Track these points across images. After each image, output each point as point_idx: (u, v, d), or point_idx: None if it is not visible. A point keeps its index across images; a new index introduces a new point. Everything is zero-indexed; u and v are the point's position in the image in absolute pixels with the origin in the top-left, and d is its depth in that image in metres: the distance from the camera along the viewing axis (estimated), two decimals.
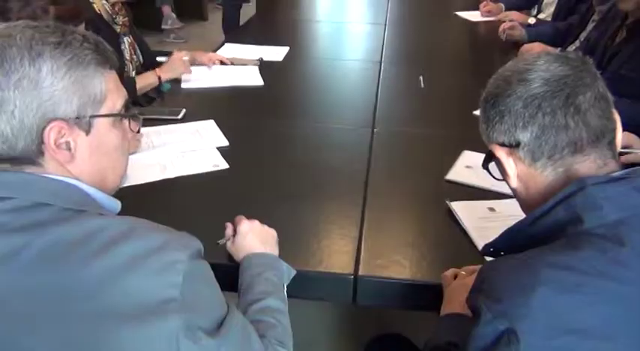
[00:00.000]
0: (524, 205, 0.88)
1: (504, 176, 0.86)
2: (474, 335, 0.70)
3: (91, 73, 0.77)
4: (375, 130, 1.77)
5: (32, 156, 0.75)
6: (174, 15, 5.37)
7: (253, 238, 1.09)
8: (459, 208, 1.31)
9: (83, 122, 0.77)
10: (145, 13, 3.88)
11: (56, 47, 0.74)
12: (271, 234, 1.13)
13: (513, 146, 0.81)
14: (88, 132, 0.78)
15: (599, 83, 0.81)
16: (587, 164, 0.79)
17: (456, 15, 3.43)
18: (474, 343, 0.70)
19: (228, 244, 1.11)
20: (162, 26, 5.35)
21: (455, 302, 1.01)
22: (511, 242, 0.84)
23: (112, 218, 0.76)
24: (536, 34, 2.70)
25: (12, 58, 0.72)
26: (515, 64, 0.84)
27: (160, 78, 2.02)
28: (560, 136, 0.78)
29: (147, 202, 1.34)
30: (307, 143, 1.72)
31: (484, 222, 1.27)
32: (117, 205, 0.84)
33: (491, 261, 0.82)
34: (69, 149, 0.76)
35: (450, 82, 2.21)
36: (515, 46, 2.64)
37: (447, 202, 1.33)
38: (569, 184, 0.77)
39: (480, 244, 1.10)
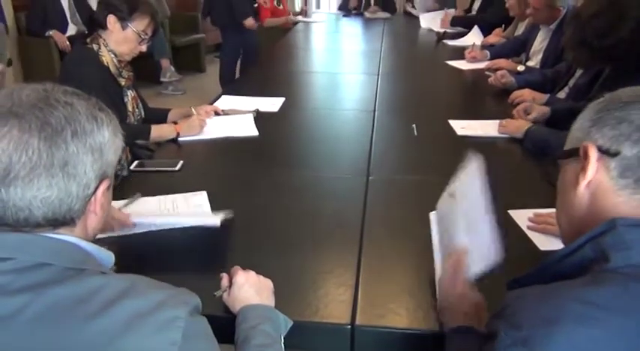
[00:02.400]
0: (571, 221, 0.86)
1: (569, 181, 0.85)
2: None
3: (121, 135, 0.85)
4: (369, 178, 1.79)
5: (77, 216, 0.79)
6: (172, 68, 5.50)
7: (249, 289, 1.09)
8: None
9: (111, 180, 0.85)
10: (144, 65, 3.98)
11: (106, 115, 0.82)
12: (267, 285, 1.13)
13: (610, 154, 0.79)
14: (109, 188, 0.84)
15: None
16: None
17: (446, 64, 3.52)
18: None
19: (225, 295, 1.11)
20: (161, 79, 5.47)
21: (459, 314, 1.02)
22: (539, 278, 0.83)
23: (111, 276, 0.78)
24: (525, 81, 2.77)
25: (83, 124, 0.77)
26: None
27: (178, 133, 2.10)
28: None
29: (140, 253, 1.34)
30: (303, 192, 1.73)
31: None
32: (112, 257, 0.86)
33: (517, 290, 0.81)
34: (102, 206, 0.82)
35: (442, 129, 2.25)
36: (505, 92, 2.70)
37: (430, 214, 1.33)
38: (627, 215, 0.76)
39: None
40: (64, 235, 0.78)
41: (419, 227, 1.48)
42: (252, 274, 1.13)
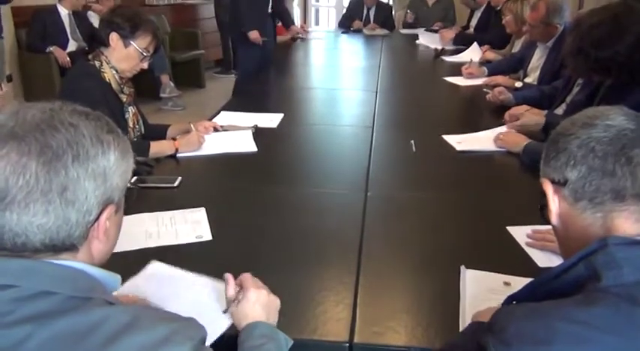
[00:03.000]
0: (561, 246, 0.90)
1: (548, 213, 0.88)
2: None
3: (131, 158, 0.83)
4: (368, 194, 1.79)
5: (78, 242, 0.76)
6: (172, 83, 5.52)
7: (259, 307, 1.09)
8: (471, 276, 1.28)
9: (119, 205, 0.81)
10: (144, 81, 4.00)
11: (114, 138, 0.79)
12: (276, 304, 1.13)
13: (561, 184, 0.84)
14: (117, 212, 0.82)
15: None
16: (625, 214, 0.80)
17: (444, 80, 3.54)
18: None
19: (232, 306, 1.11)
20: (161, 94, 5.48)
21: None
22: (533, 295, 0.84)
23: (116, 307, 0.74)
24: (523, 97, 2.78)
25: (87, 149, 0.74)
26: (588, 111, 0.87)
27: (177, 149, 2.11)
28: (604, 180, 0.80)
29: (135, 271, 1.33)
30: (301, 209, 1.73)
31: (491, 294, 1.21)
32: (118, 281, 0.84)
33: (508, 306, 0.84)
34: (107, 230, 0.79)
35: (441, 144, 2.25)
36: (502, 109, 2.71)
37: (462, 267, 1.30)
38: (601, 234, 0.79)
39: (468, 316, 1.11)
40: (68, 261, 0.75)
41: (418, 244, 1.47)
42: (264, 292, 1.11)
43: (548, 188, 0.86)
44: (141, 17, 2.11)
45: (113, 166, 0.77)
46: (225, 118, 2.61)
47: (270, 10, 4.77)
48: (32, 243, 0.72)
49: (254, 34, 4.56)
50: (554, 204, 0.86)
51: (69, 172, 0.72)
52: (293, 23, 5.20)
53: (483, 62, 3.85)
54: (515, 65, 3.52)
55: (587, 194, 0.82)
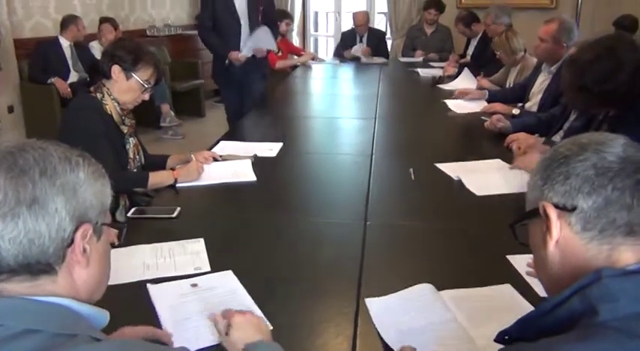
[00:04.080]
0: (549, 277, 0.86)
1: (538, 241, 0.85)
2: None
3: (106, 183, 0.84)
4: (367, 223, 1.79)
5: (54, 262, 0.76)
6: (172, 113, 5.56)
7: (249, 327, 1.11)
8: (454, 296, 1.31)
9: (97, 228, 0.81)
10: (144, 111, 4.03)
11: (84, 159, 0.81)
12: (266, 324, 1.17)
13: (568, 209, 0.80)
14: (99, 238, 0.82)
15: None
16: (634, 248, 0.78)
17: (442, 107, 3.56)
18: None
19: (223, 339, 1.11)
20: (161, 123, 5.52)
21: None
22: (525, 330, 0.82)
23: (103, 343, 0.74)
24: (521, 124, 2.80)
25: (54, 165, 0.77)
26: (592, 136, 0.85)
27: (176, 180, 2.11)
28: (621, 213, 0.78)
29: (132, 304, 1.32)
30: (300, 238, 1.73)
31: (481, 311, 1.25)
32: (106, 317, 0.83)
33: (503, 348, 0.81)
34: (86, 253, 0.79)
35: (440, 172, 2.25)
36: (500, 136, 2.72)
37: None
38: (601, 266, 0.76)
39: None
40: (53, 298, 0.75)
41: (418, 275, 1.46)
42: (248, 314, 1.15)
43: (552, 212, 0.81)
44: (142, 50, 2.14)
45: (84, 183, 0.78)
46: (224, 147, 2.63)
47: (248, 51, 3.98)
48: (6, 261, 0.73)
49: (233, 55, 3.91)
50: (557, 229, 0.81)
51: (36, 185, 0.74)
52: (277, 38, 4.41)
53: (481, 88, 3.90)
54: (520, 94, 3.52)
55: (599, 225, 0.78)
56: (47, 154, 0.77)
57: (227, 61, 3.97)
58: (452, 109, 3.53)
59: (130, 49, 2.10)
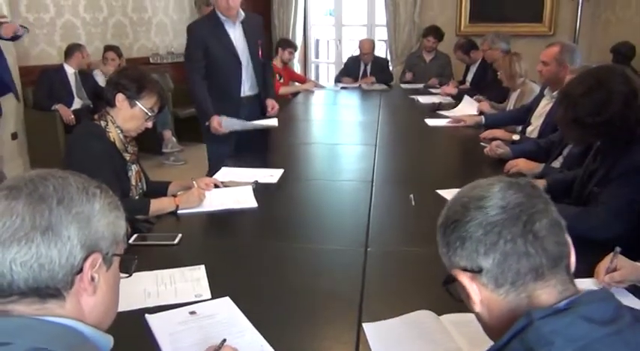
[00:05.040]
0: (488, 330, 0.88)
1: (467, 300, 0.88)
2: None
3: (120, 215, 0.86)
4: (368, 250, 1.79)
5: (63, 287, 0.78)
6: (174, 139, 5.59)
7: None
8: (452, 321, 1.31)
9: (107, 258, 0.83)
10: (147, 137, 4.06)
11: (102, 191, 0.84)
12: None
13: (476, 272, 0.83)
14: (108, 268, 0.84)
15: (551, 209, 0.85)
16: (548, 290, 0.81)
17: (442, 132, 3.59)
18: None
19: None
20: (163, 149, 5.54)
21: None
22: None
23: None
24: (520, 151, 2.81)
25: (72, 194, 0.79)
26: (472, 190, 0.88)
27: (177, 206, 2.11)
28: (521, 262, 0.81)
29: (132, 332, 1.32)
30: (301, 265, 1.73)
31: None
32: (110, 342, 0.84)
33: None
34: (93, 282, 0.81)
35: (440, 198, 2.26)
36: (500, 162, 2.74)
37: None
38: (531, 310, 0.78)
39: None
40: (60, 319, 0.77)
41: (419, 301, 1.46)
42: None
43: (463, 278, 0.85)
44: (146, 78, 2.17)
45: (98, 213, 0.81)
46: (225, 174, 2.64)
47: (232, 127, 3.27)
48: (17, 283, 0.75)
49: (214, 122, 3.25)
50: (475, 292, 0.84)
51: (52, 212, 0.77)
52: (272, 96, 3.68)
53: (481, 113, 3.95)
54: (523, 116, 3.51)
55: (508, 279, 0.81)
56: (67, 184, 0.80)
57: (207, 123, 3.30)
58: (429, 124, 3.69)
59: (134, 77, 2.13)
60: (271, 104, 3.58)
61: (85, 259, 0.79)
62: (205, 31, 3.29)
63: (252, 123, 3.31)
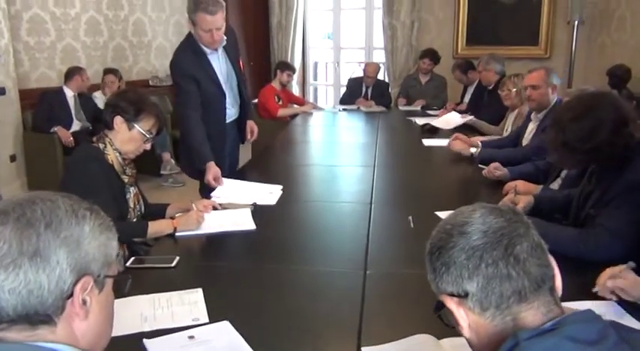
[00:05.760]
0: (474, 348, 0.89)
1: (457, 326, 0.89)
2: None
3: (112, 236, 0.85)
4: (367, 272, 1.78)
5: (53, 312, 0.76)
6: (173, 161, 5.60)
7: None
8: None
9: (99, 281, 0.82)
10: (145, 159, 4.06)
11: (92, 213, 0.82)
12: None
13: (462, 296, 0.85)
14: (100, 291, 0.82)
15: (532, 232, 0.87)
16: (533, 312, 0.83)
17: (441, 154, 3.59)
18: None
19: None
20: (161, 171, 5.55)
21: None
22: None
23: None
24: (518, 172, 2.81)
25: (60, 218, 0.78)
26: (455, 217, 0.91)
27: (175, 229, 2.09)
28: (504, 285, 0.82)
29: None
30: (299, 288, 1.72)
31: None
32: None
33: None
34: (85, 305, 0.79)
35: (438, 220, 2.25)
36: (498, 183, 2.74)
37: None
38: (517, 331, 0.79)
39: None
40: (51, 344, 0.75)
41: (419, 324, 1.44)
42: None
43: (451, 303, 0.87)
44: (145, 101, 2.18)
45: (88, 236, 0.80)
46: (224, 189, 2.64)
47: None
48: (6, 311, 0.74)
49: (210, 174, 2.77)
50: (462, 317, 0.86)
51: (40, 237, 0.75)
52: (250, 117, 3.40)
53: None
54: (514, 141, 3.57)
55: (492, 302, 0.83)
56: (55, 207, 0.79)
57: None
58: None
59: (133, 100, 2.14)
60: (250, 127, 3.31)
61: (76, 283, 0.78)
62: (191, 64, 2.92)
63: (253, 191, 2.70)
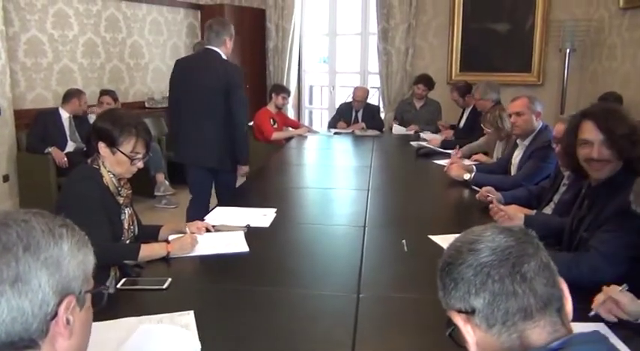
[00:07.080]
0: None
1: (465, 343, 0.89)
2: None
3: (89, 251, 0.83)
4: (360, 295, 1.77)
5: (37, 336, 0.75)
6: (167, 182, 5.59)
7: None
8: None
9: (80, 298, 0.80)
10: (139, 179, 4.05)
11: (68, 229, 0.80)
12: None
13: (469, 313, 0.86)
14: (82, 308, 0.81)
15: (541, 253, 0.88)
16: (538, 330, 0.83)
17: (434, 177, 3.61)
18: None
19: None
20: (155, 192, 5.53)
21: None
22: None
23: None
24: (512, 197, 2.83)
25: (38, 239, 0.76)
26: (466, 235, 0.92)
27: (168, 253, 2.07)
28: (510, 302, 0.83)
29: None
30: (292, 311, 1.70)
31: None
32: None
33: None
34: (69, 324, 0.78)
35: (432, 244, 2.25)
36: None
37: None
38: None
39: None
40: None
41: (412, 348, 1.44)
42: None
43: (458, 320, 0.88)
44: (121, 121, 2.10)
45: (67, 255, 0.78)
46: (218, 214, 2.63)
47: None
48: None
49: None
50: (470, 334, 0.87)
51: (19, 262, 0.73)
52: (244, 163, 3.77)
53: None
54: (504, 167, 3.59)
55: (499, 318, 0.84)
56: (30, 228, 0.77)
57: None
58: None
59: (110, 123, 2.09)
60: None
61: (59, 303, 0.76)
62: None
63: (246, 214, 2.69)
